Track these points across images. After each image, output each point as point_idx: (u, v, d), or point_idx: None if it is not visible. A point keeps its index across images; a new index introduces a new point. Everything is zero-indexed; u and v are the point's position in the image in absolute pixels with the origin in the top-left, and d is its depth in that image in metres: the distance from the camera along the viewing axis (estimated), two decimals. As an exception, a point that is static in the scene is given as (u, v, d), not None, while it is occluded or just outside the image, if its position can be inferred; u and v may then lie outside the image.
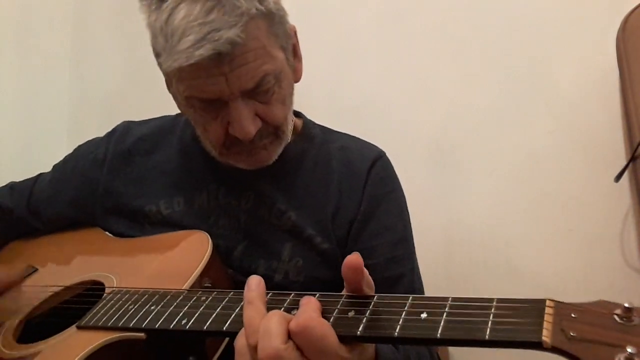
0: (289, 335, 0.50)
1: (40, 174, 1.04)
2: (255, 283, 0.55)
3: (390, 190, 0.91)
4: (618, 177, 1.14)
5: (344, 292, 0.56)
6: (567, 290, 1.24)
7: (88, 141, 1.02)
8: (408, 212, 0.92)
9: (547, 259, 1.28)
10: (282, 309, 0.55)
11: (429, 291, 0.92)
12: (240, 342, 0.53)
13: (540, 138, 1.30)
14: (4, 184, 1.06)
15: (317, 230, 0.85)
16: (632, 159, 1.12)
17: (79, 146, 1.02)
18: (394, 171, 0.94)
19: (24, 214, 1.00)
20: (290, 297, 0.57)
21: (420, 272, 0.91)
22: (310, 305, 0.52)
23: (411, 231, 0.91)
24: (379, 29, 1.50)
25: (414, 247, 0.90)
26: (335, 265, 0.85)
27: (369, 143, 0.96)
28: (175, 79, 0.77)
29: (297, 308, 0.53)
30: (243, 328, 0.53)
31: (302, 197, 0.88)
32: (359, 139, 0.97)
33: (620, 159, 1.18)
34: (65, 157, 1.02)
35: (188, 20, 0.69)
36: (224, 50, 0.69)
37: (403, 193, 0.93)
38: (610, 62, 1.21)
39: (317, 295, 0.56)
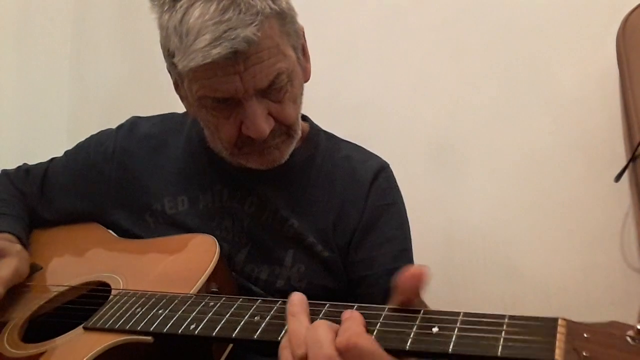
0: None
1: (53, 158, 1.03)
2: (298, 299, 0.55)
3: (392, 202, 0.91)
4: (618, 177, 1.14)
5: (390, 305, 0.54)
6: (567, 290, 1.24)
7: (100, 132, 1.01)
8: (409, 225, 0.93)
9: (547, 259, 1.28)
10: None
11: (429, 291, 0.92)
12: (285, 355, 0.52)
13: (540, 138, 1.30)
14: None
15: (318, 239, 0.86)
16: (632, 159, 1.12)
17: (92, 136, 1.01)
18: (396, 183, 0.94)
19: (35, 200, 0.99)
20: (326, 307, 0.56)
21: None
22: (354, 320, 0.51)
23: (411, 244, 0.91)
24: (379, 29, 1.50)
25: (412, 260, 0.90)
26: (337, 273, 0.86)
27: (373, 154, 0.96)
28: (187, 79, 0.77)
29: (333, 319, 0.52)
30: (285, 342, 0.52)
31: (305, 205, 0.88)
32: (363, 148, 0.97)
33: (620, 159, 1.18)
34: (78, 144, 1.02)
35: (204, 20, 0.69)
36: (240, 49, 0.70)
37: (404, 205, 0.93)
38: (610, 62, 1.21)
39: (328, 304, 0.56)
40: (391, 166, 0.95)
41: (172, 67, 0.78)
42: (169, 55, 0.77)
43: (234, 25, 0.69)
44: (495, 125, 1.36)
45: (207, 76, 0.73)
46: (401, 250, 0.88)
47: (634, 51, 1.15)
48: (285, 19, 0.77)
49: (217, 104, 0.77)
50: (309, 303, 0.56)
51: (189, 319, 0.62)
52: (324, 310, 0.55)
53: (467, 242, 1.36)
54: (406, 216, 0.93)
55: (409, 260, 0.89)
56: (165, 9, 0.74)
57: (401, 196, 0.94)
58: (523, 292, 1.29)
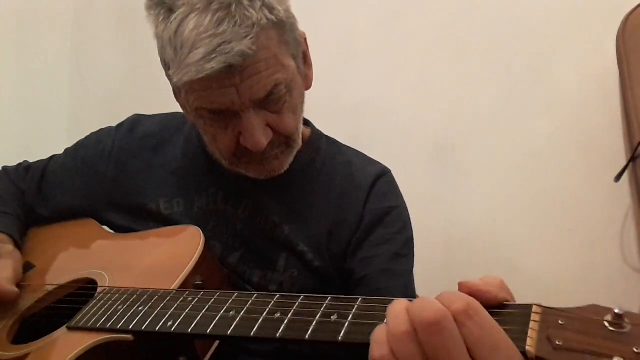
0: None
1: (53, 155, 1.03)
2: None
3: (393, 205, 0.88)
4: (618, 177, 1.14)
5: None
6: (567, 290, 1.24)
7: (101, 129, 1.01)
8: (412, 230, 0.90)
9: (547, 259, 1.28)
10: (267, 311, 0.55)
11: (429, 292, 0.92)
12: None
13: (541, 138, 1.30)
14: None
15: (310, 247, 0.84)
16: (632, 159, 1.12)
17: (91, 134, 1.01)
18: (398, 188, 0.92)
19: (33, 197, 0.99)
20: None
21: (420, 273, 0.90)
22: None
23: (413, 250, 0.89)
24: (379, 29, 1.50)
25: (412, 266, 0.87)
26: (329, 281, 0.85)
27: (375, 160, 0.95)
28: (184, 90, 0.75)
29: (282, 311, 0.52)
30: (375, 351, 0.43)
31: (299, 212, 0.87)
32: (364, 155, 0.96)
33: (620, 159, 1.18)
34: (78, 142, 1.01)
35: (198, 32, 0.67)
36: (235, 63, 0.68)
37: (407, 211, 0.91)
38: (610, 62, 1.21)
39: (302, 297, 0.55)
40: (391, 166, 0.94)
41: (168, 77, 0.77)
42: (165, 67, 0.76)
43: (228, 39, 0.67)
44: (495, 125, 1.36)
45: (203, 88, 0.72)
46: (398, 253, 0.85)
47: (634, 51, 1.15)
48: (283, 28, 0.74)
49: (214, 115, 0.76)
50: (260, 295, 0.57)
51: (167, 316, 0.62)
52: (272, 302, 0.56)
53: (467, 242, 1.36)
54: (409, 222, 0.90)
55: (406, 265, 0.86)
56: (161, 19, 0.72)
57: (403, 201, 0.91)
58: (523, 292, 1.27)
